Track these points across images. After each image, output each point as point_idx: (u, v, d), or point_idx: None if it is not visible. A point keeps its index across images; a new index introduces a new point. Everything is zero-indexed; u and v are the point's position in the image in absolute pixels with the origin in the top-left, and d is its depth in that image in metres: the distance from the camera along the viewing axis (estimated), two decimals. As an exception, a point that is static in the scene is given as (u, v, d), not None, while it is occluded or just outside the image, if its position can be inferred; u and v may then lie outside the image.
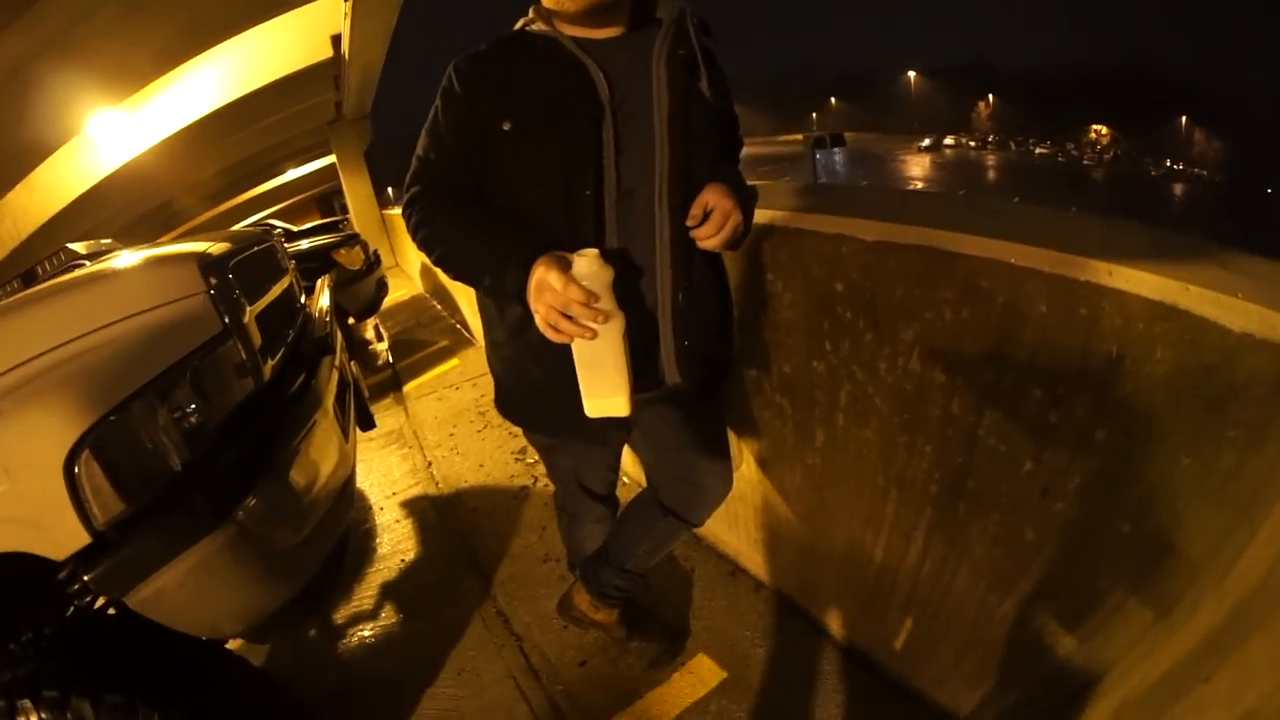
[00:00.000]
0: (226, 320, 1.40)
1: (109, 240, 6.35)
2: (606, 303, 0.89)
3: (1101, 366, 0.88)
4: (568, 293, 0.87)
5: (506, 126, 0.99)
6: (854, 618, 1.53)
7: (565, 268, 0.89)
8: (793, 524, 1.61)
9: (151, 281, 1.41)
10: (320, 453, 1.44)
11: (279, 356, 1.62)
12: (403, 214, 1.09)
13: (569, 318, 0.89)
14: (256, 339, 1.49)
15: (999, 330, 1.00)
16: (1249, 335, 0.73)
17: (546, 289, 0.89)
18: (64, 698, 1.00)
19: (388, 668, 1.84)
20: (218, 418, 1.29)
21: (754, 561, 1.84)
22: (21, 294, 1.63)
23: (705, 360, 1.19)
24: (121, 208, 11.94)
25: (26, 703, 0.99)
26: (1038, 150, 60.92)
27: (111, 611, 1.20)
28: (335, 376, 1.78)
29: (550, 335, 0.92)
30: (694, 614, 1.76)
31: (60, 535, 1.06)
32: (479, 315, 1.22)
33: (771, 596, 1.77)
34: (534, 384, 1.14)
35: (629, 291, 0.94)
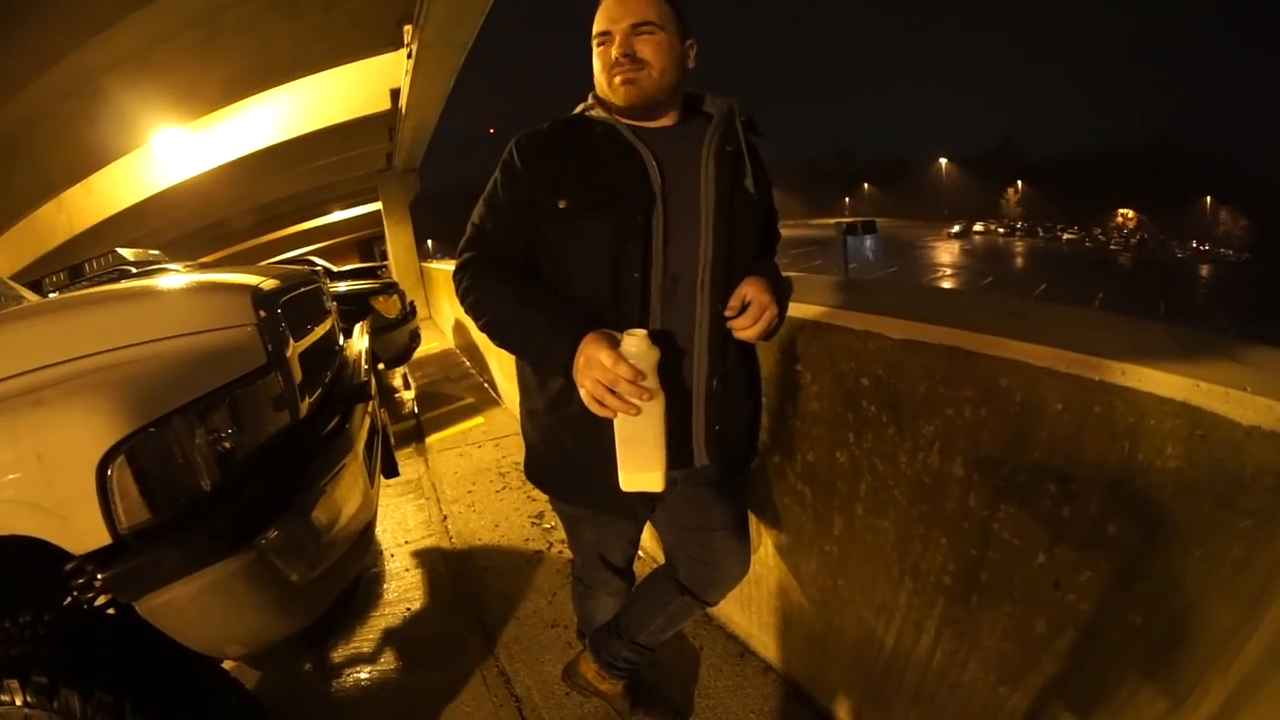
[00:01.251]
0: (271, 353, 1.44)
1: (156, 252, 6.58)
2: (651, 381, 0.92)
3: (1114, 462, 0.89)
4: (617, 370, 0.91)
5: (562, 205, 1.04)
6: (861, 706, 1.49)
7: (613, 345, 0.93)
8: (805, 609, 1.60)
9: (205, 306, 1.44)
10: (345, 495, 1.46)
11: (316, 396, 1.66)
12: (453, 278, 1.13)
13: (614, 393, 0.92)
14: (297, 376, 1.53)
15: (1016, 428, 1.02)
16: (1257, 428, 0.74)
17: (596, 365, 0.92)
18: (53, 687, 0.99)
19: (379, 713, 1.82)
20: (251, 447, 1.32)
21: (764, 644, 1.81)
22: (81, 293, 1.67)
23: (733, 445, 1.21)
24: (171, 222, 12.39)
25: (14, 684, 0.98)
26: (1065, 236, 60.73)
27: (111, 611, 1.20)
28: (367, 422, 1.81)
29: (595, 409, 0.95)
30: (699, 692, 1.73)
31: (81, 531, 1.07)
32: (516, 381, 1.24)
33: (779, 680, 1.73)
34: (568, 454, 1.15)
35: (666, 374, 0.97)
